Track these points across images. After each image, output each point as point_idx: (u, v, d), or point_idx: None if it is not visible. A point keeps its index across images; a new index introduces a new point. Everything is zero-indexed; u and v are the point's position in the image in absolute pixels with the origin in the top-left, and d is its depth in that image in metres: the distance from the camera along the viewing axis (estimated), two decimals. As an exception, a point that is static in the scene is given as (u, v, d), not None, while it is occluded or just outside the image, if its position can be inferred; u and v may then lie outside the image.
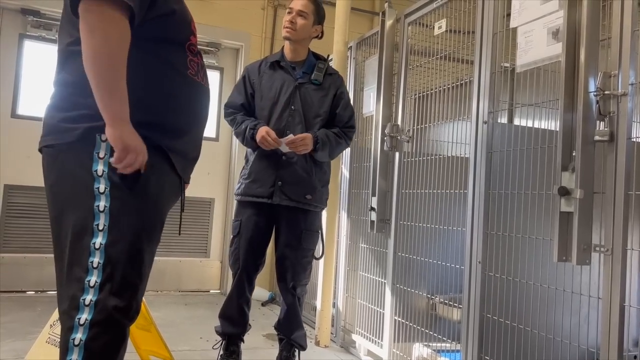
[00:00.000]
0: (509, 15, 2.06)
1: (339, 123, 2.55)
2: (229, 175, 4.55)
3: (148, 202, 1.34)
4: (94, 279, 1.25)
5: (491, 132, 2.07)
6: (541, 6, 1.85)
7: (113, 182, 1.27)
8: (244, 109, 2.53)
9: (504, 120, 2.15)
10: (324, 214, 3.13)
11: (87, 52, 1.22)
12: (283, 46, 2.62)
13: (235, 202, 2.59)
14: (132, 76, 1.27)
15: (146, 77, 1.33)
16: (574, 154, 1.63)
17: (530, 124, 2.11)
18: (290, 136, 2.36)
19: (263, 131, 2.35)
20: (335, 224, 3.16)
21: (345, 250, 3.18)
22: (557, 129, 1.72)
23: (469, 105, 2.22)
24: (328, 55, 2.65)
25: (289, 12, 2.51)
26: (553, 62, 1.81)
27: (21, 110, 3.90)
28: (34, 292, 3.91)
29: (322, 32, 2.61)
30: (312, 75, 2.53)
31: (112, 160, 1.26)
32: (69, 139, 1.27)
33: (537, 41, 1.86)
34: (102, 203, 1.26)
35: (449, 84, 2.44)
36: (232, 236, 2.52)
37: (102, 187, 1.27)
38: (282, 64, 2.54)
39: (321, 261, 3.12)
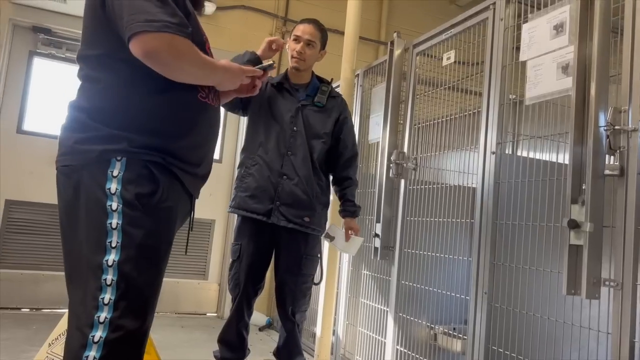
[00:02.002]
0: (518, 48, 2.10)
1: (342, 149, 2.56)
2: (231, 197, 4.53)
3: (159, 220, 1.35)
4: (107, 296, 1.26)
5: (499, 162, 2.08)
6: (551, 41, 1.89)
7: (125, 200, 1.28)
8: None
9: (511, 151, 2.17)
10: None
11: (168, 71, 1.31)
12: (287, 69, 2.65)
13: (234, 225, 2.57)
14: (143, 101, 1.32)
15: (156, 101, 1.36)
16: (583, 187, 1.63)
17: (537, 156, 2.12)
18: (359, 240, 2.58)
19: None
20: (337, 250, 3.14)
21: (347, 276, 3.16)
22: (566, 162, 1.73)
23: (476, 135, 2.24)
24: (331, 79, 2.67)
25: (295, 40, 2.50)
26: (562, 95, 1.83)
27: (26, 126, 3.91)
28: (29, 310, 3.85)
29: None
30: (315, 97, 2.55)
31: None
32: (84, 160, 1.30)
33: (547, 75, 1.89)
34: (114, 220, 1.28)
35: (456, 114, 2.46)
36: (231, 260, 2.50)
37: (114, 205, 1.28)
38: (285, 87, 2.56)
39: (322, 287, 3.09)
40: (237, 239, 2.49)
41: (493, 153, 2.09)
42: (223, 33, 4.41)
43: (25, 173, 3.85)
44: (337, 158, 2.57)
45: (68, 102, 1.40)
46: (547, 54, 1.90)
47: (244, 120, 4.40)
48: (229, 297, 4.16)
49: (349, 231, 2.57)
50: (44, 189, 3.87)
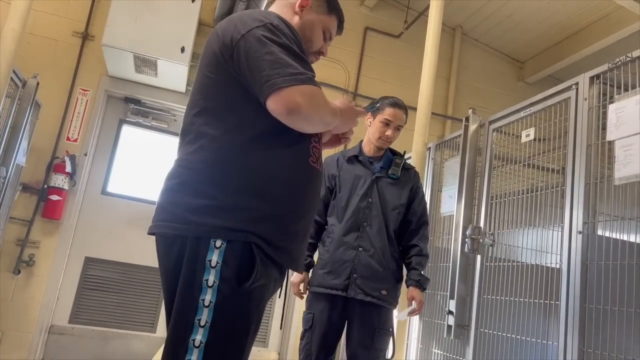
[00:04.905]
0: (604, 127, 2.08)
1: (412, 217, 2.55)
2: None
3: (252, 300, 1.26)
4: None
5: (586, 243, 2.01)
6: (641, 121, 1.87)
7: (223, 277, 1.21)
8: (321, 203, 2.59)
9: (599, 231, 2.09)
10: (395, 313, 3.05)
11: (304, 125, 1.29)
12: (361, 141, 2.71)
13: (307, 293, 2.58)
14: (253, 161, 1.26)
15: (271, 167, 1.29)
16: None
17: (625, 237, 2.04)
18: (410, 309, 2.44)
19: (295, 287, 2.53)
20: (406, 325, 3.06)
21: (416, 354, 3.05)
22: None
23: (559, 213, 2.19)
24: (404, 152, 2.71)
25: (386, 124, 2.53)
26: (656, 177, 1.78)
27: (110, 188, 4.17)
28: (95, 367, 3.93)
29: None
30: (390, 170, 2.58)
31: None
32: (192, 234, 1.23)
33: (638, 155, 1.85)
34: (207, 297, 1.20)
35: (535, 191, 2.43)
36: (303, 329, 2.48)
37: (210, 280, 1.20)
38: (360, 159, 2.61)
39: (389, 363, 2.99)
40: (309, 308, 2.48)
41: (579, 233, 2.03)
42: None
43: (105, 232, 4.06)
44: (406, 226, 2.55)
45: (176, 158, 1.35)
46: (637, 134, 1.87)
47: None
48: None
49: (412, 301, 2.43)
50: (120, 248, 4.05)
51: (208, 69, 1.32)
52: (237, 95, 1.28)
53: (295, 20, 1.44)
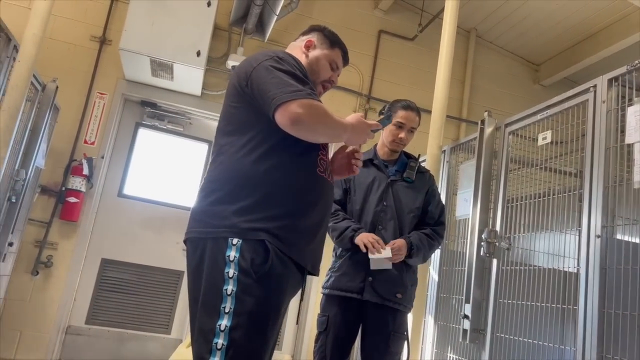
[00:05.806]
0: (621, 129, 2.06)
1: (430, 220, 2.54)
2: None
3: (270, 287, 1.41)
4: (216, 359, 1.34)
5: (605, 247, 1.99)
6: (661, 124, 1.84)
7: (241, 268, 1.38)
8: (340, 205, 2.59)
9: (618, 235, 2.07)
10: (409, 316, 3.03)
11: (310, 134, 1.46)
12: (375, 144, 2.71)
13: (321, 296, 2.58)
14: (266, 173, 1.45)
15: (279, 175, 1.48)
16: None
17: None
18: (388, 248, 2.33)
19: (369, 236, 2.33)
20: (421, 329, 3.05)
21: (431, 358, 3.03)
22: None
23: (576, 217, 2.16)
24: (419, 155, 2.69)
25: (399, 127, 2.52)
26: (677, 180, 1.76)
27: (127, 190, 4.21)
28: (110, 368, 3.97)
29: None
30: (405, 173, 2.57)
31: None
32: (213, 235, 1.43)
33: (658, 158, 1.83)
34: (230, 287, 1.37)
35: (552, 194, 2.40)
36: (317, 332, 2.48)
37: (231, 272, 1.38)
38: (375, 162, 2.61)
39: (404, 367, 2.97)
40: (324, 310, 2.48)
41: (598, 237, 2.01)
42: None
43: (120, 234, 4.10)
44: (423, 228, 2.54)
45: (205, 175, 1.57)
46: (657, 137, 1.85)
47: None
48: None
49: (392, 245, 2.34)
50: (136, 250, 4.09)
51: (231, 100, 1.56)
52: (252, 118, 1.49)
53: (303, 59, 1.67)
